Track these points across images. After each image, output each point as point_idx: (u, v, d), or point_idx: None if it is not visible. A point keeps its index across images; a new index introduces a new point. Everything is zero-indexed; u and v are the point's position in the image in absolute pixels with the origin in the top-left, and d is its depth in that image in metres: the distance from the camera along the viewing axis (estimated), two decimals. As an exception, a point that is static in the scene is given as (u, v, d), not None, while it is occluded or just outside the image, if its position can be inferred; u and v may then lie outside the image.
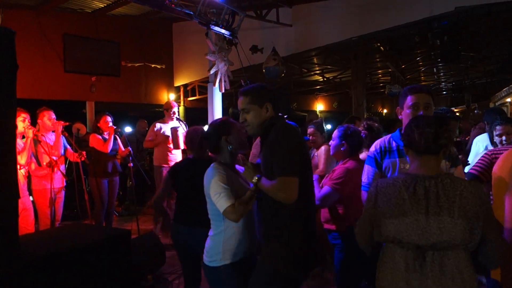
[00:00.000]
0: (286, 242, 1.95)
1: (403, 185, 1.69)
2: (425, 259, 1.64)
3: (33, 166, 4.15)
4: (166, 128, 5.63)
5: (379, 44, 8.42)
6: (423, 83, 14.26)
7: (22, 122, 3.95)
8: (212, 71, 6.01)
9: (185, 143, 3.08)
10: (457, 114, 13.36)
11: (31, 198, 4.17)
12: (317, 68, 11.36)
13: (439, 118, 1.78)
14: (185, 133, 4.01)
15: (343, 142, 2.85)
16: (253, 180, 2.01)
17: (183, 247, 2.86)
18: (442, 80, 14.60)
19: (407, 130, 1.79)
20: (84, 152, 4.54)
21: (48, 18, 7.37)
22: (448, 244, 1.62)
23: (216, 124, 2.35)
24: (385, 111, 17.48)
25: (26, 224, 3.84)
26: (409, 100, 2.20)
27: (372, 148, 2.31)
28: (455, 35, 6.77)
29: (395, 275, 1.69)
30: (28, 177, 4.15)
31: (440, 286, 1.61)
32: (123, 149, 5.12)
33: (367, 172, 2.29)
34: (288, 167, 1.86)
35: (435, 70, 12.59)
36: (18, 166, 3.82)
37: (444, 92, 17.09)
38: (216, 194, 2.07)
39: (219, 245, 2.16)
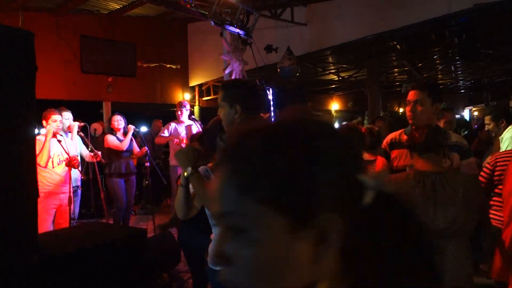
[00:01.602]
0: None
1: (415, 181, 1.89)
2: None
3: (50, 165, 4.23)
4: (180, 128, 5.67)
5: (395, 42, 8.31)
6: (440, 81, 14.02)
7: (53, 123, 4.07)
8: (226, 71, 6.02)
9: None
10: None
11: None
12: (332, 67, 11.27)
13: (437, 126, 2.08)
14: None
15: None
16: (185, 171, 1.78)
17: (189, 248, 2.88)
18: (460, 78, 14.32)
19: (409, 135, 2.05)
20: (99, 153, 4.60)
21: (66, 20, 7.50)
22: (452, 232, 1.81)
23: (213, 121, 2.30)
24: (401, 110, 17.24)
25: (63, 219, 4.01)
26: (407, 96, 2.47)
27: (384, 141, 2.61)
28: (473, 33, 6.64)
29: None
30: None
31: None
32: (137, 149, 5.17)
33: (377, 163, 2.62)
34: None
35: (452, 68, 12.36)
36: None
37: (462, 91, 16.77)
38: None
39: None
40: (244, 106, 1.89)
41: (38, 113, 4.20)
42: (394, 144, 2.54)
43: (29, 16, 6.75)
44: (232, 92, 1.93)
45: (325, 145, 0.56)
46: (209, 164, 2.09)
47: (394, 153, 2.50)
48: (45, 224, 3.88)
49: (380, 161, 2.63)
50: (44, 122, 4.45)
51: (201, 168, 2.04)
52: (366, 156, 3.36)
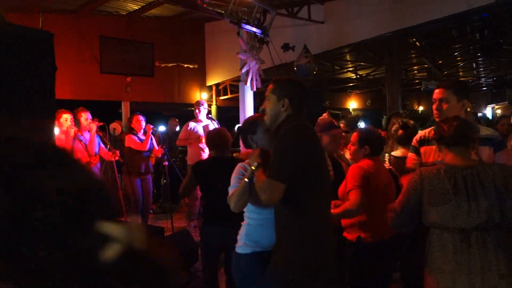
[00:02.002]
0: (294, 248, 1.85)
1: (446, 176, 1.88)
2: (470, 240, 1.82)
3: None
4: (199, 127, 5.70)
5: (414, 39, 8.17)
6: (461, 79, 13.72)
7: (65, 122, 4.12)
8: (243, 70, 6.02)
9: (206, 143, 3.16)
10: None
11: None
12: (350, 65, 11.16)
13: (466, 120, 2.01)
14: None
15: (366, 146, 2.72)
16: (252, 165, 1.94)
17: (212, 246, 2.96)
18: (482, 75, 13.99)
19: (437, 127, 2.01)
20: (117, 151, 4.66)
21: (86, 21, 7.62)
22: (489, 224, 1.80)
23: (245, 123, 2.42)
24: (421, 108, 16.96)
25: None
26: (433, 95, 2.51)
27: (414, 139, 2.66)
28: (496, 28, 6.48)
29: (445, 257, 1.86)
30: None
31: (485, 263, 1.79)
32: (157, 148, 5.22)
33: (408, 160, 2.64)
34: (278, 170, 1.78)
35: (474, 65, 12.10)
36: None
37: (484, 88, 16.39)
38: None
39: (243, 233, 2.24)
40: (292, 100, 1.95)
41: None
42: (424, 141, 2.57)
43: (50, 18, 6.88)
44: (284, 86, 1.99)
45: None
46: (246, 161, 2.25)
47: (423, 150, 2.54)
48: None
49: (411, 158, 2.64)
50: (56, 122, 4.53)
51: (239, 165, 2.27)
52: (401, 152, 3.29)
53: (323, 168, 1.97)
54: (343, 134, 3.91)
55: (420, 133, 2.69)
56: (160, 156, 5.22)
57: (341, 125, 3.99)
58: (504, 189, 1.83)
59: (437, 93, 2.47)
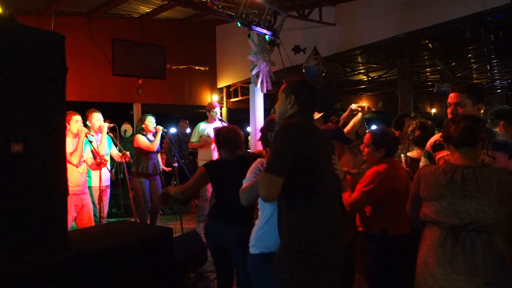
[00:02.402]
0: (289, 245, 1.86)
1: (442, 172, 1.92)
2: (458, 238, 1.83)
3: (84, 165, 4.32)
4: (209, 129, 5.71)
5: (427, 41, 8.08)
6: (475, 81, 13.54)
7: (75, 123, 4.15)
8: (253, 72, 6.02)
9: (215, 141, 3.12)
10: None
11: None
12: (361, 67, 11.09)
13: (475, 117, 2.00)
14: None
15: (380, 148, 2.71)
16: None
17: (215, 243, 2.91)
18: (497, 77, 13.77)
19: (445, 127, 2.01)
20: (128, 153, 4.68)
21: (98, 24, 7.71)
22: (481, 225, 1.80)
23: (265, 122, 2.56)
24: (433, 110, 16.78)
25: (86, 220, 4.09)
26: (448, 99, 2.50)
27: (428, 143, 2.65)
28: (511, 30, 6.37)
29: (430, 251, 1.91)
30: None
31: (469, 264, 1.78)
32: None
33: (421, 164, 2.66)
34: (272, 165, 1.82)
35: (488, 67, 11.90)
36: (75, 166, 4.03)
37: (499, 91, 16.14)
38: None
39: (254, 232, 2.26)
40: (298, 98, 2.01)
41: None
42: (437, 146, 2.56)
43: (63, 21, 6.98)
44: (292, 85, 2.07)
45: None
46: (265, 158, 2.34)
47: (438, 155, 2.52)
48: None
49: (422, 163, 2.67)
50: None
51: (259, 160, 2.35)
52: (417, 153, 3.24)
53: (321, 164, 1.93)
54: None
55: (434, 138, 2.67)
56: (169, 156, 5.22)
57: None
58: (503, 193, 1.82)
59: (452, 97, 2.46)
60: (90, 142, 4.24)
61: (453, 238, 1.83)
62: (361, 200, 2.62)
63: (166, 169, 5.72)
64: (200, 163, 5.77)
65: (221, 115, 5.99)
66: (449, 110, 2.46)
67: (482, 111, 2.55)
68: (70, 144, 4.02)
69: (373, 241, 2.69)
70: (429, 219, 1.96)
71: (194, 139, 5.80)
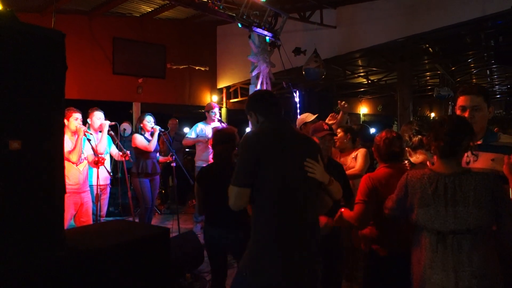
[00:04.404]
0: (254, 250, 1.97)
1: (428, 181, 1.99)
2: (446, 242, 1.92)
3: (85, 162, 4.30)
4: (208, 130, 5.71)
5: (427, 45, 8.10)
6: (474, 86, 13.56)
7: (75, 121, 4.13)
8: (253, 73, 6.03)
9: (211, 141, 3.15)
10: None
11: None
12: (362, 70, 11.11)
13: (456, 125, 1.97)
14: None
15: (377, 158, 2.69)
16: None
17: (213, 246, 2.95)
18: (496, 83, 13.81)
19: (429, 136, 2.05)
20: (128, 152, 4.67)
21: (99, 23, 7.71)
22: (465, 229, 1.89)
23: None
24: (432, 114, 16.81)
25: (85, 218, 4.08)
26: (459, 101, 2.31)
27: None
28: (511, 35, 6.39)
29: (422, 254, 1.99)
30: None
31: (458, 263, 1.88)
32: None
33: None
34: (235, 176, 1.95)
35: (488, 73, 11.94)
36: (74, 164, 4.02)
37: (498, 96, 16.17)
38: None
39: None
40: (257, 111, 2.16)
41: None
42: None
43: (64, 19, 6.98)
44: (247, 103, 2.23)
45: None
46: None
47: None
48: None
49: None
50: (65, 121, 4.55)
51: None
52: (421, 157, 3.17)
53: (280, 170, 1.96)
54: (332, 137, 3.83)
55: None
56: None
57: (325, 126, 3.80)
58: (481, 198, 1.89)
59: (466, 100, 2.26)
60: (89, 140, 4.23)
61: (442, 243, 1.93)
62: (362, 215, 2.48)
63: (165, 159, 5.59)
64: (198, 163, 5.77)
65: (220, 116, 5.98)
66: (466, 114, 2.23)
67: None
68: (68, 141, 4.01)
69: (365, 258, 2.65)
70: (417, 224, 2.04)
71: (190, 136, 5.78)
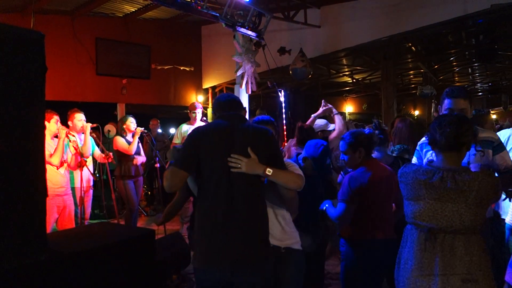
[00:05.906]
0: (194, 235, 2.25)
1: (423, 173, 1.91)
2: (436, 241, 1.85)
3: (65, 165, 4.24)
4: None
5: (410, 44, 8.21)
6: (456, 84, 13.79)
7: (55, 124, 4.07)
8: (238, 73, 6.02)
9: None
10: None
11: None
12: (346, 69, 11.19)
13: (460, 117, 1.95)
14: None
15: (360, 148, 2.64)
16: None
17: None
18: (478, 80, 14.07)
19: (431, 130, 1.98)
20: (111, 154, 4.63)
21: (82, 23, 7.60)
22: (458, 227, 1.82)
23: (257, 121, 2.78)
24: (417, 112, 17.04)
25: (67, 221, 4.02)
26: (446, 104, 2.44)
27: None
28: (491, 34, 6.51)
29: (410, 253, 1.94)
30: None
31: (448, 266, 1.81)
32: (142, 154, 5.20)
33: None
34: (176, 159, 2.15)
35: (470, 71, 12.16)
36: (55, 167, 3.95)
37: (480, 93, 16.48)
38: None
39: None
40: (215, 112, 2.38)
41: (62, 114, 4.26)
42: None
43: (45, 19, 6.87)
44: (212, 109, 2.41)
45: None
46: None
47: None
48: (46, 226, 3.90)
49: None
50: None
51: None
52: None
53: (209, 161, 2.13)
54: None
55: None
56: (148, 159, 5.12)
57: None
58: (482, 197, 1.82)
59: (458, 103, 2.41)
60: (71, 142, 4.16)
61: (431, 241, 1.86)
62: (344, 214, 2.54)
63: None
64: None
65: (206, 116, 5.95)
66: None
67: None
68: (50, 144, 3.95)
69: (345, 246, 2.66)
70: (409, 219, 1.99)
71: (177, 140, 5.76)
